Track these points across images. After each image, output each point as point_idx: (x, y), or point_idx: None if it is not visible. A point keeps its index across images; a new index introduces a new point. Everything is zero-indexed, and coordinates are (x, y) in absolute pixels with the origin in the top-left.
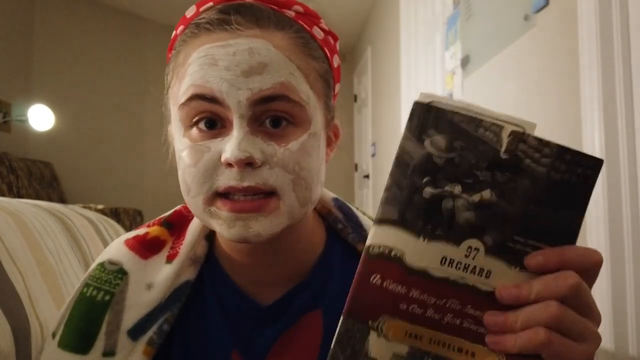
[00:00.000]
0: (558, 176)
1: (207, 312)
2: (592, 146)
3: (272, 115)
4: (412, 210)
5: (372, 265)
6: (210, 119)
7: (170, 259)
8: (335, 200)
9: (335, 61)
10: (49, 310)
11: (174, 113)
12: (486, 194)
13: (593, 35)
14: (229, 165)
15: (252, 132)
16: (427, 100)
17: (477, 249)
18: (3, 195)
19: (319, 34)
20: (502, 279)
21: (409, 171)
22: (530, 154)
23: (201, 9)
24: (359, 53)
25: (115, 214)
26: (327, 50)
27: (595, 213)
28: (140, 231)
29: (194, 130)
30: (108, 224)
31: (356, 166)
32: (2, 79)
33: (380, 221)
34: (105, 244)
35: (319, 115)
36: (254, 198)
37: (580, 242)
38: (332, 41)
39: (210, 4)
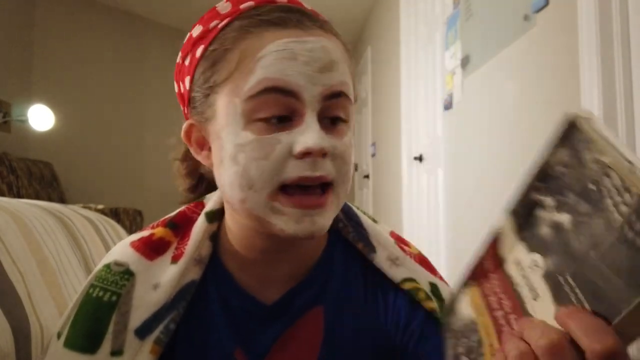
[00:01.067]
0: (630, 235)
1: (210, 311)
2: None
3: (332, 115)
4: (521, 205)
5: (490, 236)
6: (281, 113)
7: (175, 260)
8: None
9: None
10: (49, 310)
11: (232, 106)
12: (565, 218)
13: (593, 35)
14: (305, 155)
15: (319, 125)
16: (583, 115)
17: (538, 266)
18: (3, 195)
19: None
20: (542, 310)
21: (535, 170)
22: (612, 194)
23: (242, 6)
24: (359, 53)
25: (115, 214)
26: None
27: None
28: (145, 233)
29: (259, 124)
30: (108, 224)
31: (356, 166)
32: (2, 79)
33: (506, 206)
34: (105, 244)
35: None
36: (319, 194)
37: None
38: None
39: (251, 3)
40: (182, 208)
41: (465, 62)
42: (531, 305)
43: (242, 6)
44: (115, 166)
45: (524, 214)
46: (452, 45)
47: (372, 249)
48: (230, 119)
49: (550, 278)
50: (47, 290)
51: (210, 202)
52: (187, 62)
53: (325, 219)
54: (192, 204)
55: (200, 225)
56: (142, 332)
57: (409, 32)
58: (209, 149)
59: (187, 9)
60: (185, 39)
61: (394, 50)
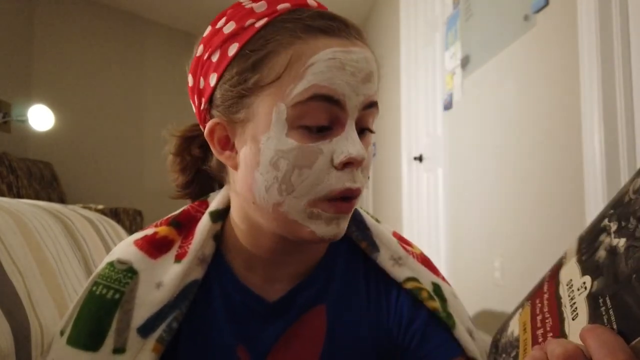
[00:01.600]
0: None
1: (213, 309)
2: (592, 146)
3: (364, 125)
4: (590, 231)
5: (558, 260)
6: (326, 122)
7: (178, 259)
8: None
9: None
10: (49, 310)
11: (277, 110)
12: (621, 242)
13: (593, 35)
14: (346, 165)
15: None
16: None
17: (585, 288)
18: (3, 195)
19: None
20: (576, 329)
21: (613, 199)
22: None
23: (278, 7)
24: None
25: (115, 214)
26: None
27: (595, 213)
28: (149, 231)
29: (300, 131)
30: (108, 224)
31: None
32: (2, 79)
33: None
34: (105, 244)
35: None
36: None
37: None
38: None
39: (287, 4)
40: (186, 207)
41: (465, 62)
42: (568, 325)
43: (279, 7)
44: (115, 166)
45: (589, 239)
46: (452, 46)
47: (376, 248)
48: (272, 123)
49: (592, 299)
50: (47, 291)
51: (215, 201)
52: (214, 59)
53: (346, 223)
54: (195, 203)
55: (204, 224)
56: (145, 330)
57: (409, 32)
58: (233, 150)
59: (187, 9)
60: (208, 33)
61: (394, 50)
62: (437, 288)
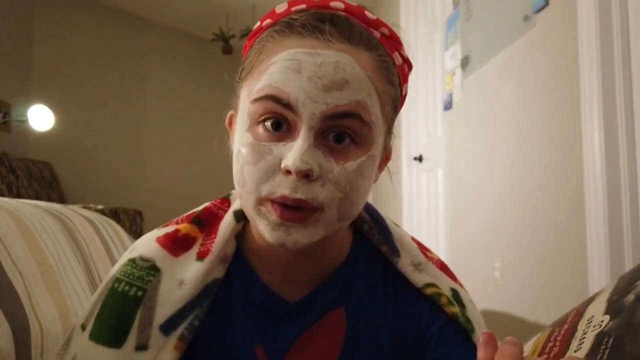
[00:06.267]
0: None
1: (233, 308)
2: (592, 146)
3: (339, 131)
4: (632, 272)
5: (594, 294)
6: (278, 120)
7: (200, 256)
8: None
9: (405, 89)
10: (49, 310)
11: (244, 105)
12: None
13: (593, 35)
14: (288, 172)
15: (316, 144)
16: None
17: (600, 326)
18: (3, 195)
19: (398, 59)
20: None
21: None
22: None
23: (293, 9)
24: None
25: (114, 214)
26: (401, 77)
27: (595, 213)
28: (170, 228)
29: (259, 128)
30: (108, 224)
31: None
32: (2, 79)
33: None
34: (105, 244)
35: (381, 138)
36: (300, 209)
37: (580, 242)
38: (406, 69)
39: (303, 6)
40: (208, 204)
41: (465, 62)
42: (568, 356)
43: (294, 8)
44: (115, 166)
45: (628, 281)
46: (452, 46)
47: (397, 253)
48: (241, 116)
49: (599, 337)
50: (47, 291)
51: (238, 200)
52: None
53: (303, 235)
54: (218, 200)
55: (228, 224)
56: (167, 328)
57: (409, 32)
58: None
59: (187, 9)
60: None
61: None
62: (455, 294)
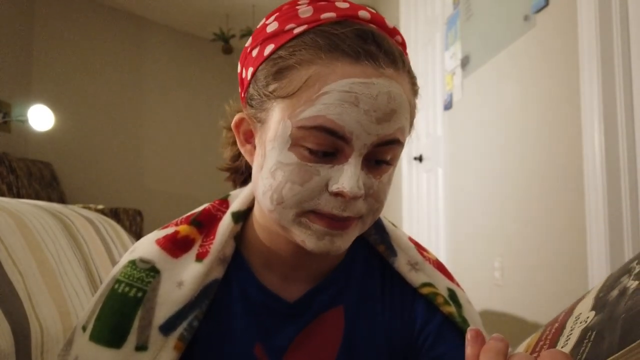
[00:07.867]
0: None
1: (232, 308)
2: (592, 146)
3: (380, 159)
4: (619, 271)
5: (583, 294)
6: (327, 150)
7: (199, 258)
8: None
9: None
10: (49, 311)
11: (284, 124)
12: (633, 284)
13: (593, 35)
14: (338, 194)
15: (361, 166)
16: None
17: (586, 321)
18: (3, 195)
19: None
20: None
21: None
22: None
23: (322, 16)
24: None
25: (115, 214)
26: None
27: (596, 213)
28: (169, 230)
29: (304, 150)
30: (108, 224)
31: None
32: (2, 79)
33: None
34: (105, 244)
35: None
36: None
37: (580, 242)
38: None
39: (333, 14)
40: (206, 205)
41: (465, 62)
42: (549, 350)
43: (323, 16)
44: (115, 166)
45: (615, 277)
46: (452, 46)
47: (394, 252)
48: (277, 134)
49: (584, 332)
50: (47, 291)
51: (237, 202)
52: (254, 54)
53: (344, 242)
54: (216, 202)
55: (226, 225)
56: (167, 328)
57: (409, 32)
58: (254, 146)
59: (187, 9)
60: (259, 26)
61: None
62: (452, 294)
